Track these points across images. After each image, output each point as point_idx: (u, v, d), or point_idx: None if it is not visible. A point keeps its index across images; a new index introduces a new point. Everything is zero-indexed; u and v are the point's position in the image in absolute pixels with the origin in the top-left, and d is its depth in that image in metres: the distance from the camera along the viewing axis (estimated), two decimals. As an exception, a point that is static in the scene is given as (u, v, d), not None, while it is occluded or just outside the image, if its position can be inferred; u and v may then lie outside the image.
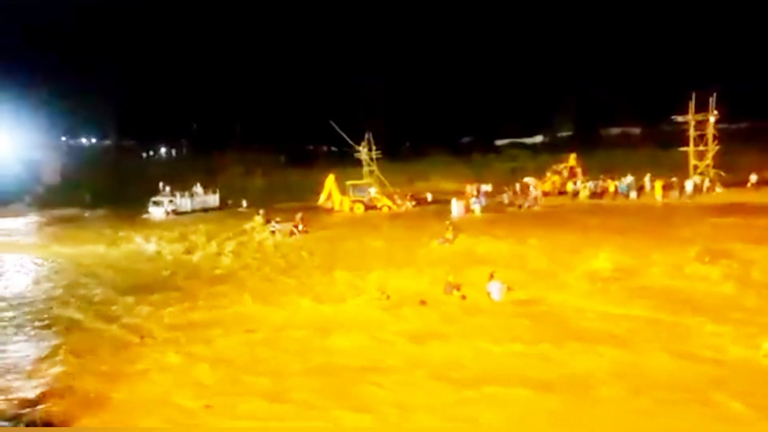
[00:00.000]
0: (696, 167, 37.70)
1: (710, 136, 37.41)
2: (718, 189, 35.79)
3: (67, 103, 57.92)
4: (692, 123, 37.77)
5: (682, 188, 34.59)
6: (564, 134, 66.29)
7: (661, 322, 12.46)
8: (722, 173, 37.59)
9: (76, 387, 10.37)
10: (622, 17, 62.84)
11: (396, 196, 37.48)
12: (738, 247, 18.21)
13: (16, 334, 13.78)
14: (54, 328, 14.02)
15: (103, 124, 67.40)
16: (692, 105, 37.34)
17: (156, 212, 39.54)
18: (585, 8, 63.30)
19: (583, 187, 38.12)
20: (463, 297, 15.00)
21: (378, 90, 58.90)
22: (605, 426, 8.54)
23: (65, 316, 15.04)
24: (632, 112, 57.75)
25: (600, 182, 38.48)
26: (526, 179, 40.81)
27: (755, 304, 13.33)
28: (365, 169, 40.12)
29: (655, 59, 59.33)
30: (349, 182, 38.16)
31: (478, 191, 38.10)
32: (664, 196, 33.97)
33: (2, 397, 10.12)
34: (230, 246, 25.14)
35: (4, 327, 14.31)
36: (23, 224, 38.31)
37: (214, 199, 44.29)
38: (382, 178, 39.58)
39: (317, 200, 37.84)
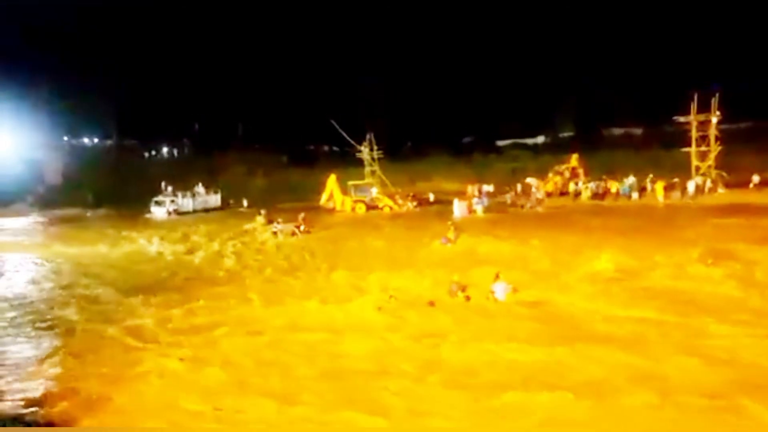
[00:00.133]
0: (698, 168, 37.66)
1: (713, 137, 37.37)
2: (721, 190, 35.77)
3: (69, 103, 57.81)
4: (694, 123, 37.74)
5: (684, 189, 34.57)
6: (565, 135, 66.20)
7: (669, 324, 12.32)
8: (724, 174, 37.54)
9: (78, 388, 10.28)
10: (624, 17, 62.79)
11: (397, 196, 37.49)
12: (741, 247, 18.23)
13: (17, 334, 13.71)
14: (55, 329, 13.93)
15: (104, 124, 67.27)
16: (694, 105, 37.31)
17: (158, 212, 39.57)
18: (586, 8, 63.26)
19: (585, 187, 38.10)
20: (467, 298, 14.92)
21: (379, 90, 58.91)
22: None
23: (67, 317, 14.95)
24: (634, 112, 57.75)
25: (602, 183, 38.45)
26: (528, 180, 40.82)
27: (760, 305, 13.23)
28: (367, 169, 40.17)
29: (656, 59, 59.31)
30: (350, 182, 38.18)
31: (480, 191, 38.10)
32: (666, 196, 33.95)
33: (3, 398, 10.07)
34: (232, 246, 25.12)
35: (5, 327, 14.24)
36: (25, 224, 38.24)
37: (215, 199, 44.33)
38: (384, 178, 39.60)
39: (319, 200, 37.85)
